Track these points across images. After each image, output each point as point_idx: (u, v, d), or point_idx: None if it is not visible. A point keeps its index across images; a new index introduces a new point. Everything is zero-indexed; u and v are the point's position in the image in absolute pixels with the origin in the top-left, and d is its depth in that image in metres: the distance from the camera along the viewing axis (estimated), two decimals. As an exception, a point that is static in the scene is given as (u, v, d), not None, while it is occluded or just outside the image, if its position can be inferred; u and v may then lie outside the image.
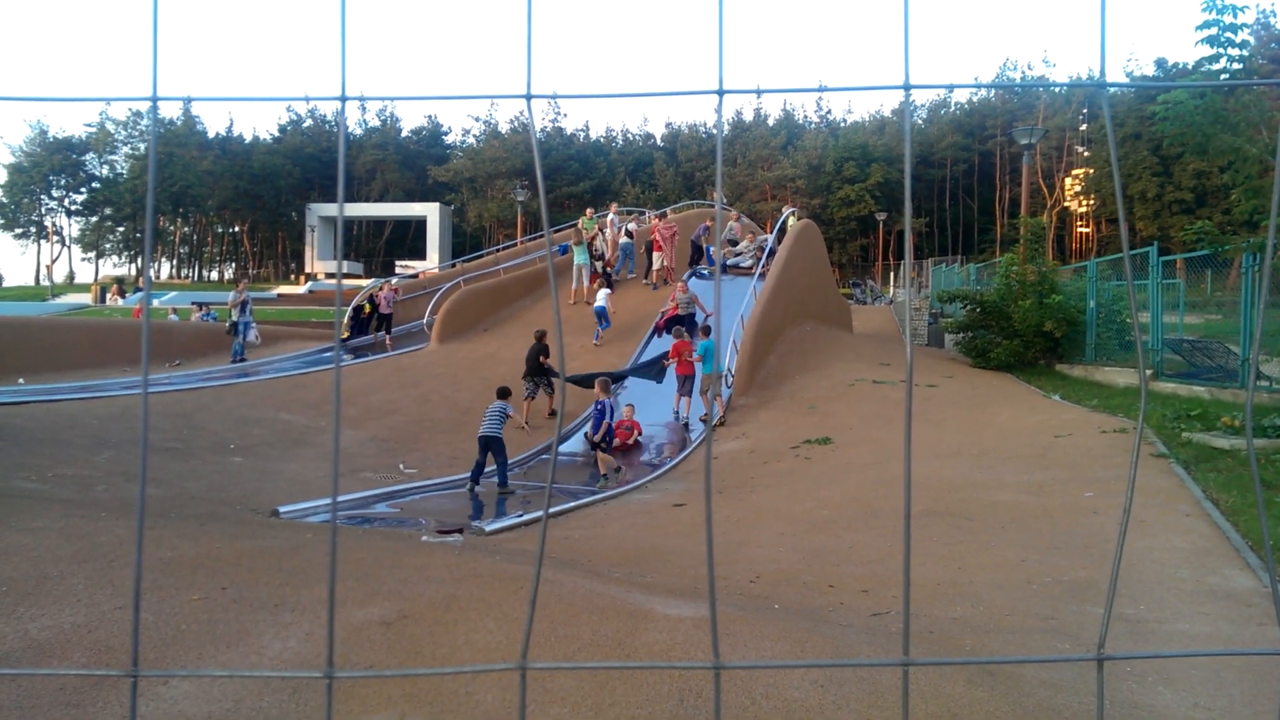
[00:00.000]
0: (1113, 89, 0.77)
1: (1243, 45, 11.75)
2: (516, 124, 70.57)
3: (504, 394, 11.06)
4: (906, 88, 0.77)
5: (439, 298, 21.85)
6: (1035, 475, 8.47)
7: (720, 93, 0.74)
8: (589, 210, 24.27)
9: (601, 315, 18.03)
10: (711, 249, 20.64)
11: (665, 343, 15.79)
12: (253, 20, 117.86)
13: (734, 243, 21.16)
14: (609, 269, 20.99)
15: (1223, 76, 11.87)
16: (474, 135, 74.67)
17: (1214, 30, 11.48)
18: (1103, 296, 15.90)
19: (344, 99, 0.63)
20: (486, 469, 10.62)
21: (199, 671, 3.45)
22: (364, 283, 27.73)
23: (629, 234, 22.29)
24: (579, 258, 20.43)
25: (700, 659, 3.84)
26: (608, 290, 19.05)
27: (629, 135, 76.67)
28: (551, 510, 9.10)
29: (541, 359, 14.37)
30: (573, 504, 9.58)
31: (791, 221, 21.68)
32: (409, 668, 3.63)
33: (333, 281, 54.08)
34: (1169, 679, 3.97)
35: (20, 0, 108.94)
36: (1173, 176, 52.46)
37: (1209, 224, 12.02)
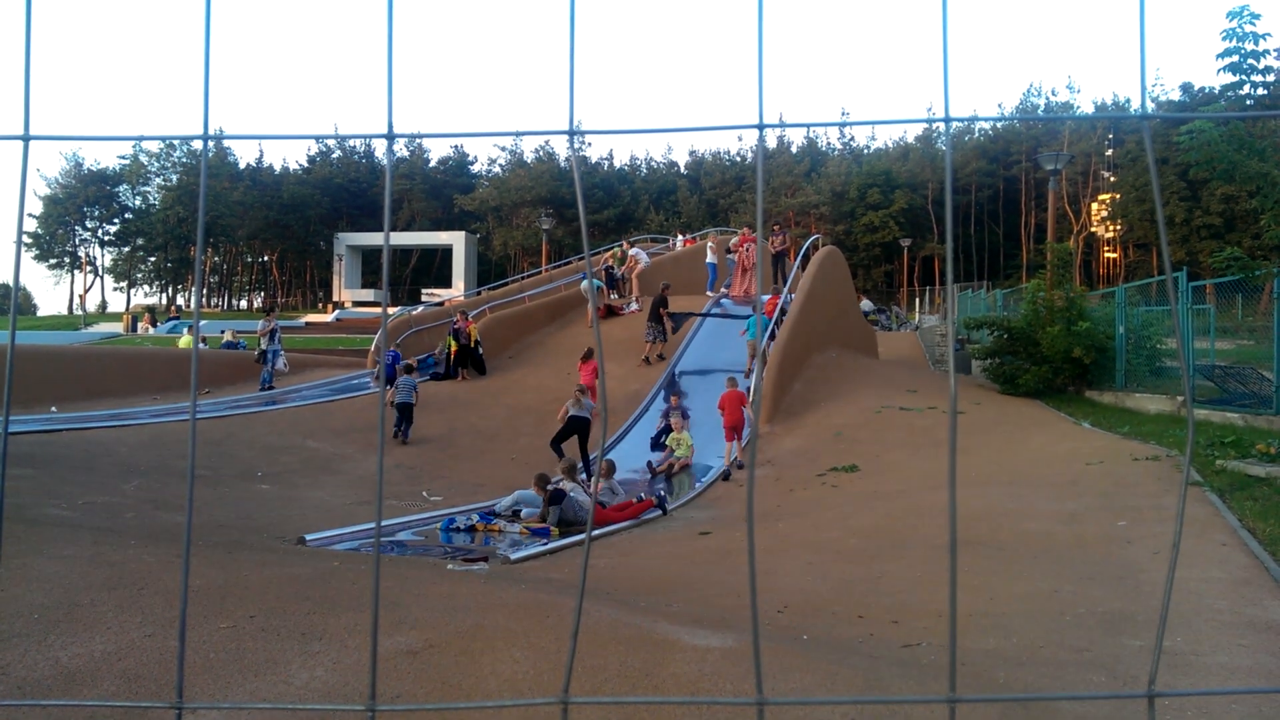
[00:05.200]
0: (1155, 119, 0.77)
1: (1266, 71, 11.70)
2: (541, 153, 71.18)
3: (409, 369, 15.11)
4: (947, 120, 0.77)
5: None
6: (1067, 504, 8.35)
7: (761, 127, 0.75)
8: (625, 244, 26.28)
9: (713, 270, 22.49)
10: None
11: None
12: (283, 51, 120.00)
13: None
14: (619, 294, 23.01)
15: (1247, 103, 11.81)
16: (499, 165, 75.43)
17: (1236, 58, 11.44)
18: (1132, 322, 15.74)
19: (391, 136, 0.63)
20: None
21: (242, 704, 3.45)
22: (392, 310, 27.88)
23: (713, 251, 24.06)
24: (587, 282, 21.36)
25: (730, 690, 3.80)
26: (711, 245, 23.34)
27: (653, 163, 77.15)
28: (575, 539, 9.07)
29: (661, 310, 18.39)
30: (597, 532, 9.54)
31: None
32: (443, 700, 3.62)
33: (361, 310, 54.58)
34: (1209, 714, 3.88)
35: (54, 36, 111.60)
36: (1200, 201, 52.01)
37: (1239, 250, 11.89)
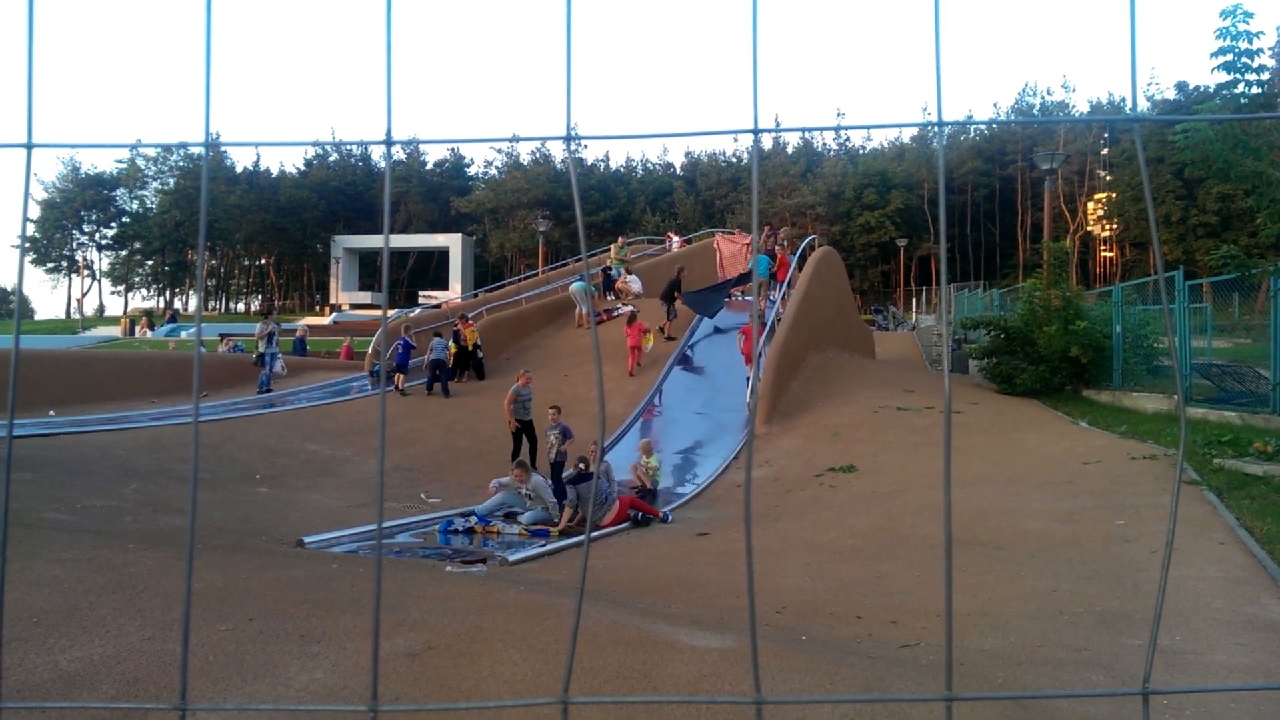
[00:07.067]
0: (1146, 122, 0.78)
1: (1260, 70, 11.71)
2: (538, 155, 71.21)
3: (437, 333, 17.57)
4: (940, 124, 0.78)
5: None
6: (1065, 503, 8.37)
7: (755, 131, 0.75)
8: (620, 239, 26.66)
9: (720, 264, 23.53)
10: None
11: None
12: (280, 53, 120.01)
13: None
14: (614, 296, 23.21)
15: (1242, 102, 11.82)
16: (496, 167, 75.44)
17: (1230, 57, 11.47)
18: (1129, 321, 15.75)
19: (389, 142, 0.64)
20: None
21: (245, 705, 3.45)
22: (389, 313, 27.93)
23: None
24: (576, 284, 22.15)
25: (728, 691, 3.80)
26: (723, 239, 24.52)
27: (649, 165, 77.22)
28: (573, 540, 9.08)
29: (675, 292, 19.85)
30: (595, 534, 9.55)
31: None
32: (443, 701, 3.63)
33: (358, 312, 54.54)
34: (1208, 712, 3.89)
35: (53, 40, 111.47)
36: (1197, 200, 52.14)
37: (1235, 248, 11.91)
